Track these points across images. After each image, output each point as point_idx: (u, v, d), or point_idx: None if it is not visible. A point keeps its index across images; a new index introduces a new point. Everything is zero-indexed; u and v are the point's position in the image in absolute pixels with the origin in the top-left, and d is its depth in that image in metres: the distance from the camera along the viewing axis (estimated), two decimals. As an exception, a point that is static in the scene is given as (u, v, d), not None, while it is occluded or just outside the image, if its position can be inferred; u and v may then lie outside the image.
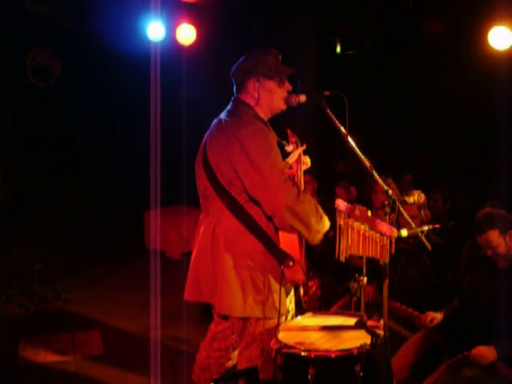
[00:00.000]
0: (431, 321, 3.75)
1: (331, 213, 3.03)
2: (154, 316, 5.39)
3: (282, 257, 2.83)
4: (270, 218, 2.86)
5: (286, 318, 2.98)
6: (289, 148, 3.21)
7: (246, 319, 2.93)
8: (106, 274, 7.17)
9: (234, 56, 3.10)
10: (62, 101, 8.13)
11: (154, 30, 6.55)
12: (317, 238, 2.92)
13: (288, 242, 2.86)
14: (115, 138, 8.44)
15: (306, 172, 3.28)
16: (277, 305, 2.83)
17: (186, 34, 6.86)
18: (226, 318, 3.06)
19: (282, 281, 2.83)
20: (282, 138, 3.15)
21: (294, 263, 2.81)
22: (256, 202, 2.85)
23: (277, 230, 2.89)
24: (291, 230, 2.84)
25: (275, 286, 2.87)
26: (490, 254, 3.52)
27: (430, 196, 5.72)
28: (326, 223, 2.95)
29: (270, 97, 3.01)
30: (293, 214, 2.78)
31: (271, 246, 2.86)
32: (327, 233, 3.00)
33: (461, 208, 6.18)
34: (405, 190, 4.91)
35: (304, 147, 3.19)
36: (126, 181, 8.26)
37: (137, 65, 7.11)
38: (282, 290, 2.85)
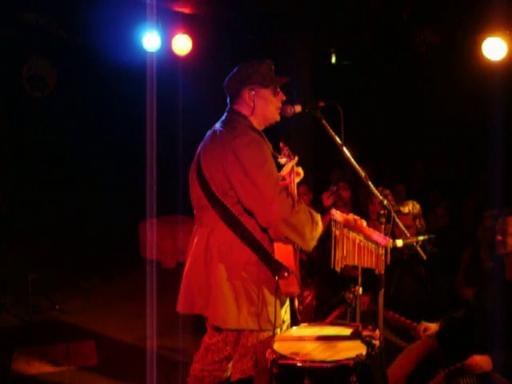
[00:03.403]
0: (425, 330, 3.75)
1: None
2: (149, 326, 5.38)
3: (276, 268, 2.81)
4: (264, 229, 2.85)
5: (281, 329, 2.97)
6: (282, 160, 3.21)
7: (239, 331, 2.91)
8: (101, 284, 7.15)
9: (229, 66, 3.11)
10: (57, 110, 8.15)
11: (150, 40, 6.58)
12: (311, 245, 2.90)
13: (283, 252, 2.84)
14: (111, 148, 8.45)
15: (301, 183, 3.28)
16: (271, 317, 2.81)
17: (182, 44, 6.89)
18: (219, 330, 3.03)
19: (276, 292, 2.81)
20: (276, 150, 3.15)
21: (289, 274, 2.79)
22: (250, 213, 2.84)
23: (272, 240, 2.87)
24: (286, 240, 2.82)
25: (269, 297, 2.85)
26: (499, 239, 3.52)
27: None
28: (321, 227, 2.94)
29: (266, 105, 3.01)
30: (288, 225, 2.76)
31: (266, 257, 2.84)
32: (324, 243, 3.00)
33: (457, 218, 6.20)
34: (397, 200, 4.92)
35: (296, 159, 3.20)
36: (122, 190, 8.27)
37: (133, 75, 7.14)
38: (277, 301, 2.83)
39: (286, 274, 2.79)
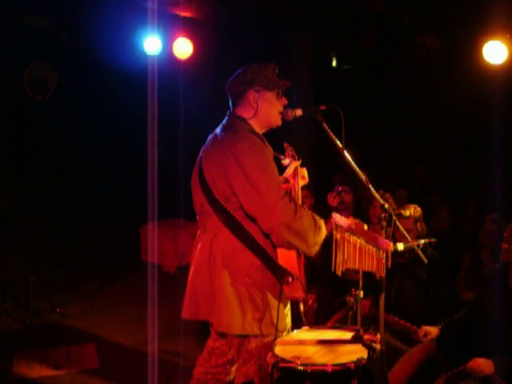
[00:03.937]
0: (425, 335, 3.75)
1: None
2: (150, 330, 5.37)
3: (280, 273, 2.80)
4: (267, 235, 2.83)
5: (282, 333, 2.96)
6: (285, 162, 3.20)
7: (244, 336, 2.90)
8: (101, 288, 7.15)
9: (230, 70, 3.11)
10: (58, 114, 8.14)
11: (151, 44, 6.60)
12: (314, 250, 2.88)
13: (286, 257, 2.83)
14: (112, 152, 8.44)
15: (303, 187, 3.27)
16: (275, 321, 2.81)
17: (183, 48, 6.91)
18: (223, 334, 3.02)
19: (280, 297, 2.80)
20: (279, 151, 3.15)
21: (293, 279, 2.77)
22: (253, 219, 2.82)
23: (275, 246, 2.85)
24: (289, 246, 2.81)
25: (273, 302, 2.84)
26: (505, 247, 3.51)
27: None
28: (324, 232, 2.93)
29: (269, 109, 3.00)
30: (290, 230, 2.74)
31: (269, 263, 2.83)
32: (325, 247, 2.99)
33: (458, 221, 6.20)
34: (398, 205, 4.93)
35: (300, 161, 3.19)
36: (123, 194, 8.27)
37: (134, 79, 7.14)
38: (281, 306, 2.82)
39: (289, 280, 2.78)
